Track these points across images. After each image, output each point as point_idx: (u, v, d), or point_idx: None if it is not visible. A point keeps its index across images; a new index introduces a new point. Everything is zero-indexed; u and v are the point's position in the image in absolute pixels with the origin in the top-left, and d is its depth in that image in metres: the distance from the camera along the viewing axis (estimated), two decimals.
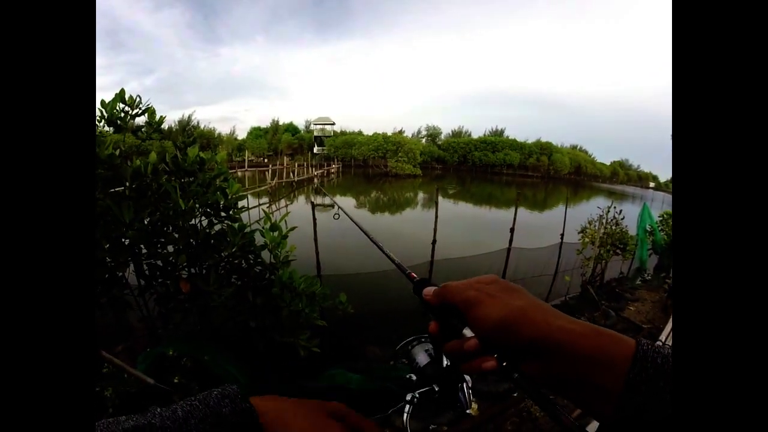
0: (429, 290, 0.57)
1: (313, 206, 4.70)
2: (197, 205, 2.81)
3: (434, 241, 5.71)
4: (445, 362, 0.65)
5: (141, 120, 2.81)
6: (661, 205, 30.15)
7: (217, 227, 3.01)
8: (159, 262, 2.86)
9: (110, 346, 2.99)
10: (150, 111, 2.77)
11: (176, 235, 2.79)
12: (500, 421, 3.70)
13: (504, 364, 0.47)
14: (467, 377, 0.65)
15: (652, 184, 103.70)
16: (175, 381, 2.66)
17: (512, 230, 6.29)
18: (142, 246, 2.77)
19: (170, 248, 2.85)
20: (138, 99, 2.71)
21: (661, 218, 11.54)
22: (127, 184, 2.63)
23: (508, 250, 6.40)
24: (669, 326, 5.19)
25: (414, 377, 0.67)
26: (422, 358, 0.65)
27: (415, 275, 0.66)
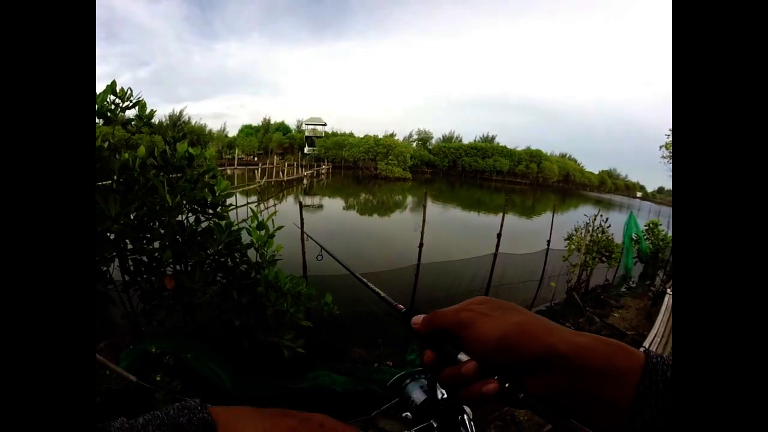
0: (418, 318, 0.55)
1: (301, 206, 4.68)
2: (184, 201, 2.79)
3: (421, 245, 5.71)
4: (441, 395, 0.63)
5: (131, 113, 2.79)
6: (647, 214, 30.48)
7: (204, 224, 2.99)
8: (144, 258, 2.83)
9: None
10: (141, 104, 2.75)
11: (162, 231, 2.76)
12: (484, 425, 3.71)
13: (507, 385, 0.43)
14: (467, 408, 0.63)
15: (639, 194, 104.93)
16: (158, 379, 2.63)
17: (499, 236, 6.32)
18: (127, 241, 2.74)
19: (156, 244, 2.82)
20: (129, 91, 2.69)
21: (647, 227, 11.69)
22: (115, 177, 2.61)
23: (495, 255, 6.43)
24: (653, 333, 5.26)
25: (410, 415, 0.63)
26: (418, 395, 0.62)
27: (401, 306, 0.63)
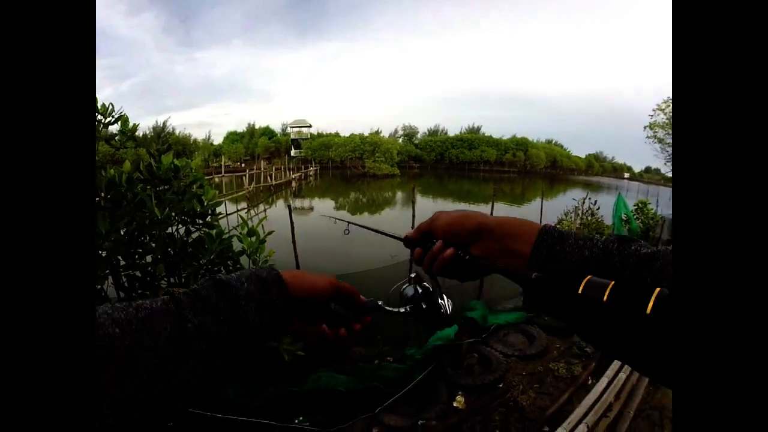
0: (410, 232, 0.77)
1: (290, 209, 4.69)
2: (173, 213, 2.78)
3: None
4: (426, 289, 0.81)
5: (115, 128, 2.77)
6: (636, 194, 30.78)
7: (195, 235, 2.98)
8: (137, 273, 2.83)
9: None
10: (123, 119, 2.73)
11: (153, 245, 2.76)
12: (487, 413, 3.75)
13: (459, 252, 0.67)
14: (446, 298, 0.79)
15: (626, 175, 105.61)
16: None
17: None
18: (119, 257, 2.73)
19: (148, 258, 2.81)
20: (111, 107, 2.67)
21: (636, 207, 11.80)
22: (102, 194, 2.60)
23: None
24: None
25: (407, 307, 0.82)
26: (410, 291, 0.81)
27: (401, 235, 0.84)
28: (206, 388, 0.53)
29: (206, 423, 2.84)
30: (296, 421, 3.45)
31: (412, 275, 0.80)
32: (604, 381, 3.58)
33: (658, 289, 0.42)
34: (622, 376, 3.72)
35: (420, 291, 0.79)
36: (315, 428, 3.40)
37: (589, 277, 0.47)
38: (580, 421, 3.01)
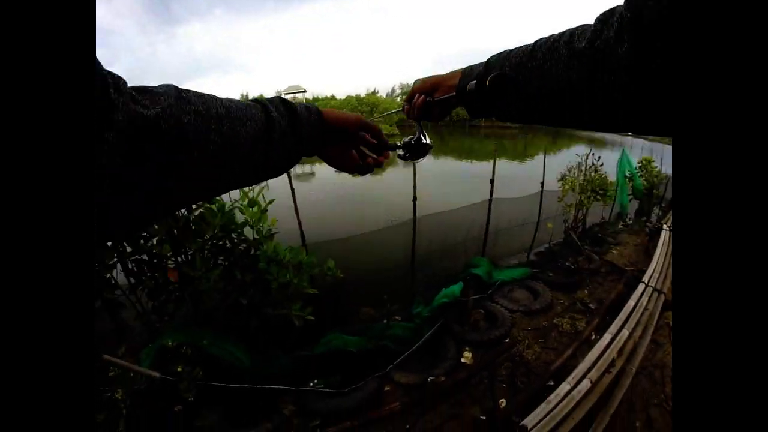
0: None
1: (290, 176, 4.65)
2: None
3: (415, 198, 5.71)
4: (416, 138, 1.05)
5: None
6: (640, 151, 30.37)
7: (197, 211, 3.00)
8: (144, 256, 2.86)
9: (112, 349, 3.01)
10: None
11: (156, 226, 2.78)
12: (494, 368, 3.84)
13: (428, 98, 0.91)
14: (426, 135, 1.04)
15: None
16: (179, 370, 2.71)
17: (492, 181, 6.31)
18: (125, 244, 2.77)
19: (154, 240, 2.84)
20: None
21: (640, 164, 11.60)
22: None
23: (490, 201, 6.44)
24: (651, 267, 5.40)
25: (402, 143, 1.05)
26: (405, 139, 1.04)
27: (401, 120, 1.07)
28: (262, 175, 0.70)
29: (224, 394, 2.93)
30: (311, 384, 3.56)
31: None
32: (607, 337, 3.63)
33: (494, 74, 0.72)
34: (625, 332, 3.77)
35: (411, 138, 1.04)
36: (330, 389, 3.51)
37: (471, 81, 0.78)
38: (584, 376, 3.08)
